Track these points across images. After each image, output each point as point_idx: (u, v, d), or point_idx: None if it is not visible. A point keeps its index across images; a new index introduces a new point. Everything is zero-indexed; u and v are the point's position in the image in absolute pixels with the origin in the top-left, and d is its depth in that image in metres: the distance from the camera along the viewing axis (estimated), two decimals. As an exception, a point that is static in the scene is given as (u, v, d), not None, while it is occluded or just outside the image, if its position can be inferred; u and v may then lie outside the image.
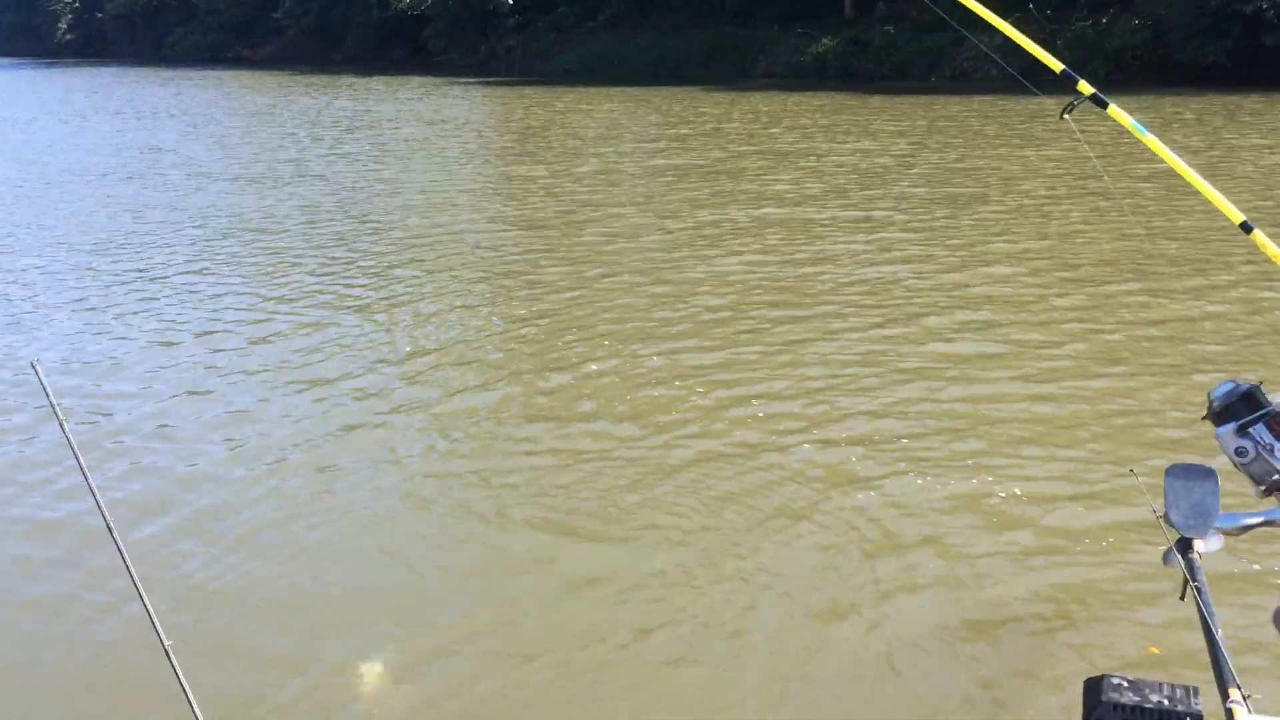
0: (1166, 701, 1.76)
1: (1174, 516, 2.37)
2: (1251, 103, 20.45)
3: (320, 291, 8.36)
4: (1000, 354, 6.38)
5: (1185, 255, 8.62)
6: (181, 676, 1.89)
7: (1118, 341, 6.52)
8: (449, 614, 3.76)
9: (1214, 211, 1.23)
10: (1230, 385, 2.08)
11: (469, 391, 6.03)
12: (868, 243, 9.52)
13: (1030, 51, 1.25)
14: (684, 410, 5.58)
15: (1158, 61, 25.81)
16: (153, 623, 2.00)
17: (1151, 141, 1.33)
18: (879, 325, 6.96)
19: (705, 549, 4.16)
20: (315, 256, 9.64)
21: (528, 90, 31.62)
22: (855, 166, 14.33)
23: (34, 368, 2.47)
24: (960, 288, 7.86)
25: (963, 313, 7.20)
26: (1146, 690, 1.82)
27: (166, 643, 1.97)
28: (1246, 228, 1.24)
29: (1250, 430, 2.07)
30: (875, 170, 13.93)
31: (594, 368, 6.29)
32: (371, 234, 10.62)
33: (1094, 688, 1.87)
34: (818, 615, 3.71)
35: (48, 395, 2.40)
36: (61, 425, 2.36)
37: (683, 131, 19.70)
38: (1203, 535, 2.34)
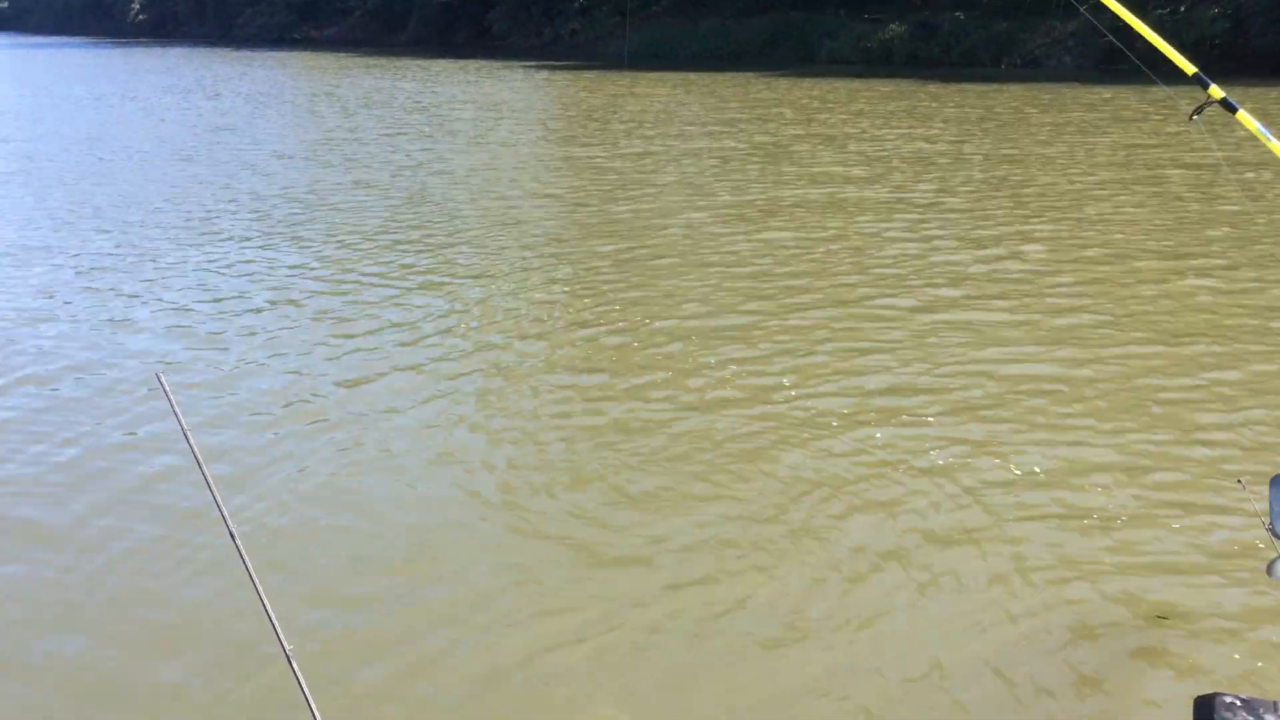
0: None
1: None
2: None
3: (415, 273, 8.40)
4: (1096, 351, 6.17)
5: None
6: (302, 681, 1.96)
7: (1229, 351, 6.28)
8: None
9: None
10: None
11: (543, 368, 5.98)
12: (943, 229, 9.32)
13: (1162, 50, 1.24)
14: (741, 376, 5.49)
15: (1238, 50, 25.05)
16: (275, 630, 2.06)
17: (1276, 147, 1.25)
18: (948, 307, 6.79)
19: (764, 528, 4.08)
20: (393, 235, 9.66)
21: (588, 74, 31.57)
22: (903, 152, 14.06)
23: (159, 380, 2.52)
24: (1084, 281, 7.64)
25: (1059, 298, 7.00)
26: (1261, 709, 1.73)
27: (288, 648, 2.03)
28: None
29: None
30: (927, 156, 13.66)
31: (638, 346, 6.21)
32: (443, 214, 10.63)
33: (1205, 705, 1.79)
34: (905, 607, 3.60)
35: (174, 410, 2.48)
36: (187, 437, 2.45)
37: (735, 116, 19.54)
38: None
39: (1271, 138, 1.20)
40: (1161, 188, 11.29)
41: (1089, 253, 8.52)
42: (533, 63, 37.26)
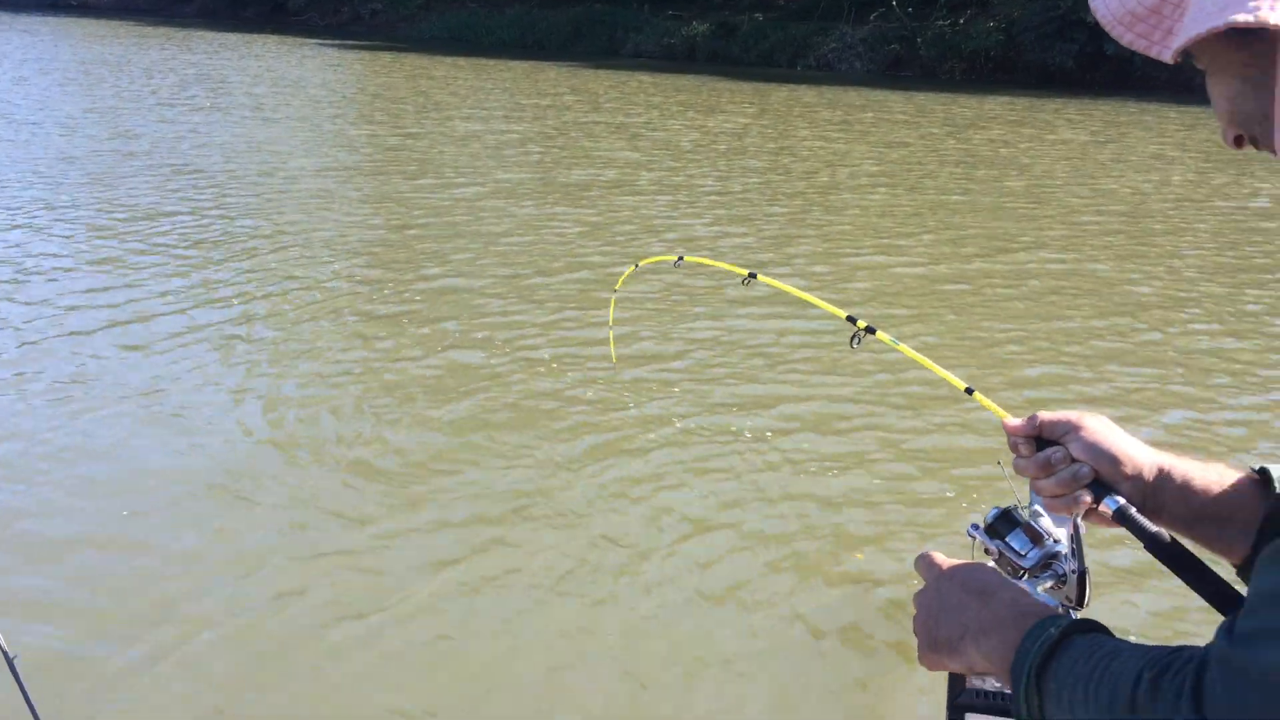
0: None
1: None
2: (1083, 104, 21.43)
3: (167, 250, 7.93)
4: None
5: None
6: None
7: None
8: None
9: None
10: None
11: (309, 351, 5.78)
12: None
13: (816, 304, 1.60)
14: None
15: (1009, 62, 26.84)
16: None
17: (918, 356, 1.67)
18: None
19: (520, 505, 4.07)
20: (157, 215, 9.10)
21: (386, 55, 30.73)
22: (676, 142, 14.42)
23: None
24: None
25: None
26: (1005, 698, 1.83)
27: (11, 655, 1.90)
28: (969, 391, 1.53)
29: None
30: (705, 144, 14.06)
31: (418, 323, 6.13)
32: (209, 188, 10.13)
33: (959, 675, 1.88)
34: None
35: None
36: None
37: (526, 101, 19.58)
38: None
39: (912, 351, 1.63)
40: (924, 181, 11.99)
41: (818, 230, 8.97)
42: (330, 41, 35.93)
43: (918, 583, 1.18)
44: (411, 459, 4.73)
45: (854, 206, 10.80)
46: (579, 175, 12.07)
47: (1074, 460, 1.24)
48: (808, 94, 22.75)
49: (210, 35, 36.33)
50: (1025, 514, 1.35)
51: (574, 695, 3.27)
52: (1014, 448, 1.30)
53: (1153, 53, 0.92)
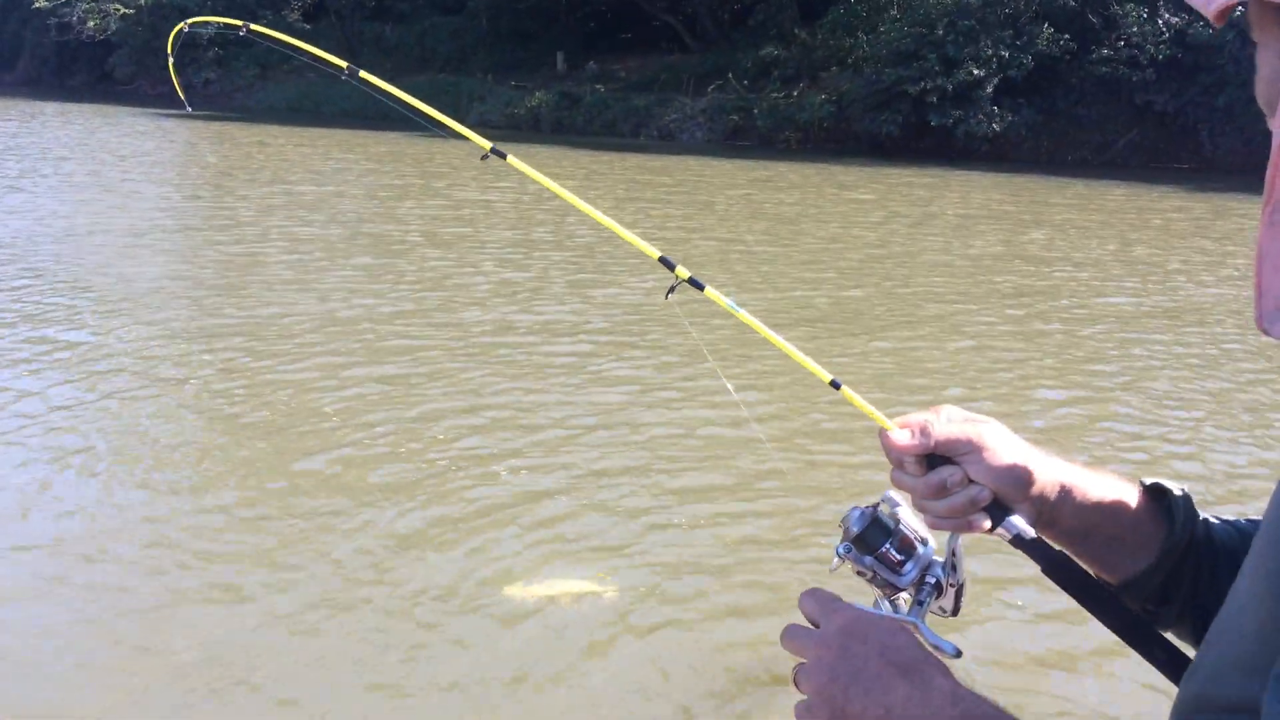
0: None
1: None
2: (912, 173, 22.62)
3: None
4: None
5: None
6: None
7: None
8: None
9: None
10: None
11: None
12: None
13: (628, 240, 1.28)
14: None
15: (840, 132, 28.14)
16: None
17: (744, 316, 1.44)
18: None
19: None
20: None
21: (217, 125, 29.96)
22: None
23: None
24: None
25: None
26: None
27: None
28: (835, 385, 1.31)
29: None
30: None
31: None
32: (21, 270, 9.60)
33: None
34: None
35: None
36: None
37: (351, 167, 19.49)
38: None
39: (737, 308, 1.38)
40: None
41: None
42: (161, 110, 34.82)
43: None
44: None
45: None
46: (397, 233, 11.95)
47: (970, 482, 1.12)
48: (640, 159, 23.26)
49: (31, 105, 34.78)
50: (886, 512, 1.14)
51: None
52: (898, 463, 1.15)
53: (1201, 9, 0.80)
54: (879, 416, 1.19)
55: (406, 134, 26.08)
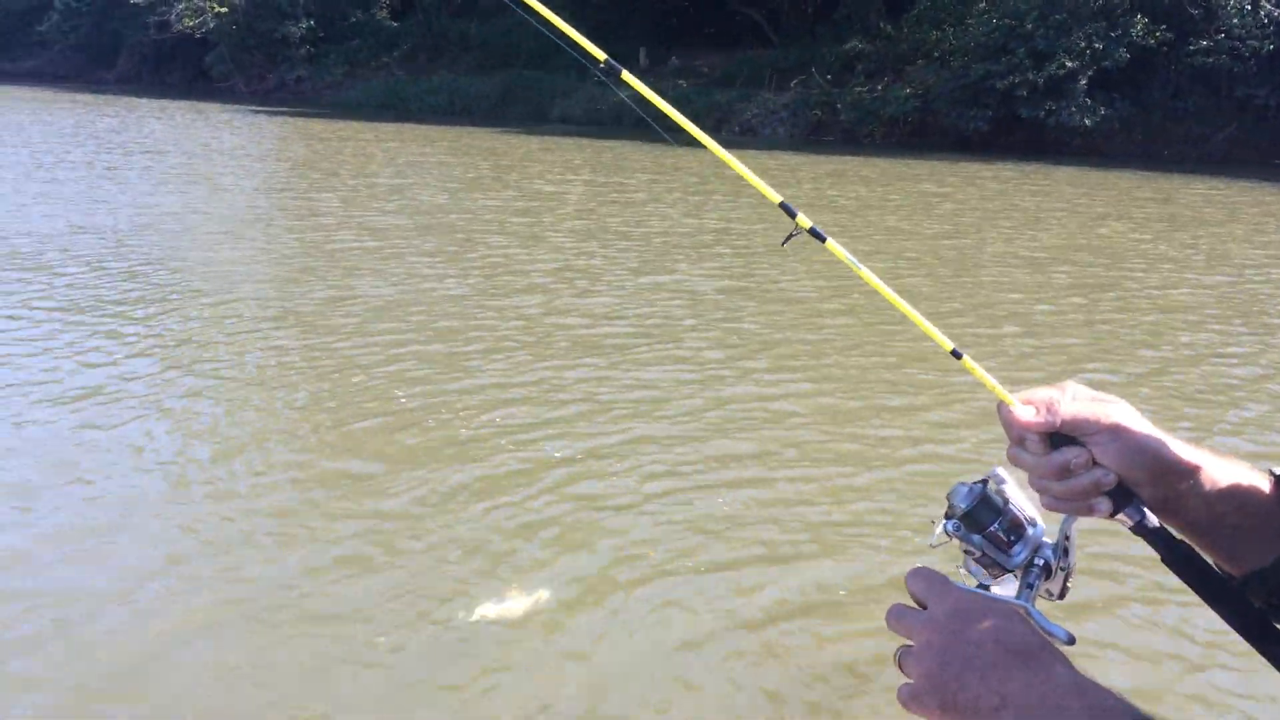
0: None
1: None
2: (993, 168, 22.17)
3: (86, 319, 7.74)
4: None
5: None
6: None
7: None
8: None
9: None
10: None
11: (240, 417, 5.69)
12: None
13: (750, 182, 1.18)
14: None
15: (926, 127, 27.71)
16: None
17: (865, 274, 1.34)
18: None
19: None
20: (72, 283, 8.89)
21: (316, 123, 30.64)
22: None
23: None
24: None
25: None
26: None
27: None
28: (956, 354, 1.23)
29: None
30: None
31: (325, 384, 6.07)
32: (132, 260, 9.93)
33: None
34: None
35: None
36: None
37: (441, 161, 19.68)
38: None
39: (861, 265, 1.29)
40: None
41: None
42: (255, 108, 35.73)
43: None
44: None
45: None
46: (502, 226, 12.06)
47: (1095, 464, 1.06)
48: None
49: (133, 101, 35.96)
50: (994, 490, 1.08)
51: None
52: (1018, 440, 1.10)
53: None
54: (1000, 390, 1.13)
55: (488, 129, 26.34)
